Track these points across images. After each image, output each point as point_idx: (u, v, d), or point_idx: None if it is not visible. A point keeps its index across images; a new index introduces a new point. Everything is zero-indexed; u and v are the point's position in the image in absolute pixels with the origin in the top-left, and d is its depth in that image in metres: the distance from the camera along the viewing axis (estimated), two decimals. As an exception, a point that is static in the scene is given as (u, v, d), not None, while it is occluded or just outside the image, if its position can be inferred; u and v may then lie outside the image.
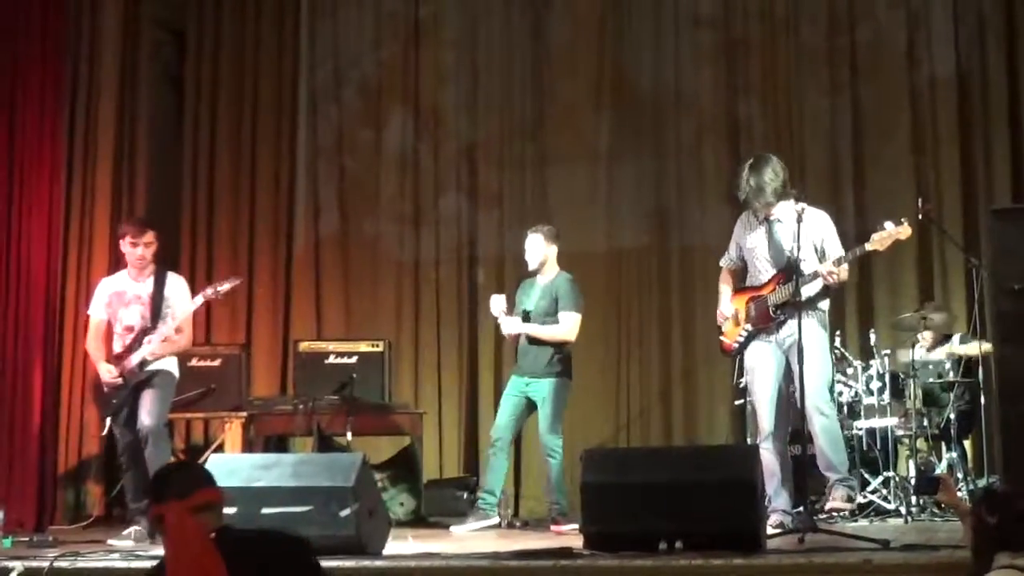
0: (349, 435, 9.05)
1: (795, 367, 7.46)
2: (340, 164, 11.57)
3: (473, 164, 11.41)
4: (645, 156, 11.10)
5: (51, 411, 9.46)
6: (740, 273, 7.98)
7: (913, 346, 9.21)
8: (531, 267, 8.87)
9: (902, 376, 9.13)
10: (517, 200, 11.26)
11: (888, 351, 9.09)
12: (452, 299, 11.13)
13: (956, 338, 9.40)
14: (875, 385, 8.89)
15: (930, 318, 9.32)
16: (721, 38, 11.09)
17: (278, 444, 9.97)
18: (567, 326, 8.76)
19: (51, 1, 9.60)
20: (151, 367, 7.90)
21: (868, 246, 7.44)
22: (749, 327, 7.63)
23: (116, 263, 10.07)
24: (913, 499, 8.51)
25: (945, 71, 10.56)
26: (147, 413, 7.82)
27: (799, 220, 7.26)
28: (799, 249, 7.31)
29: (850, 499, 7.37)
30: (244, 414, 9.57)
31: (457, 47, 11.53)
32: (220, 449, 9.45)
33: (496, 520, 8.62)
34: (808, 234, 7.45)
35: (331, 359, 9.88)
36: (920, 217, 8.98)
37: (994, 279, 7.52)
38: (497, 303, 8.77)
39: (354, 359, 9.84)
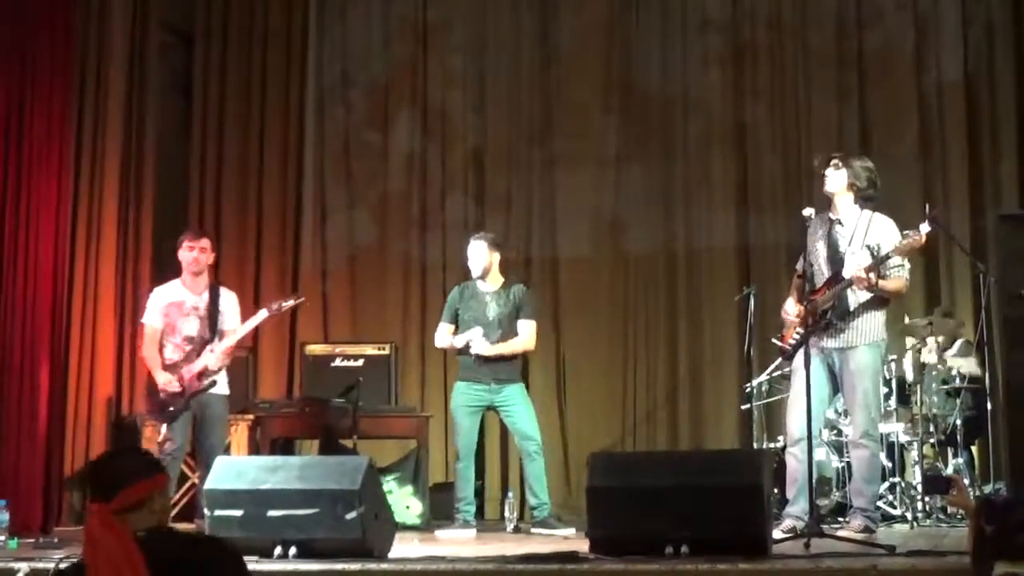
0: (355, 438, 9.06)
1: (840, 383, 7.51)
2: (347, 166, 11.59)
3: (480, 167, 11.43)
4: (652, 159, 11.11)
5: (58, 412, 9.45)
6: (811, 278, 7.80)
7: (919, 352, 9.21)
8: (474, 274, 8.89)
9: (908, 382, 9.13)
10: (524, 203, 11.28)
11: (895, 357, 9.08)
12: (459, 302, 11.13)
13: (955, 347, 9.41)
14: (882, 391, 8.87)
15: (937, 324, 9.31)
16: (729, 42, 11.11)
17: (284, 446, 9.97)
18: (527, 336, 8.83)
19: (60, 3, 9.60)
20: (208, 379, 8.08)
21: (891, 251, 7.35)
22: (801, 330, 7.53)
23: (123, 265, 10.14)
24: (920, 503, 8.52)
25: (953, 76, 10.57)
26: (221, 445, 8.20)
27: (868, 226, 7.29)
28: (852, 255, 7.33)
29: (868, 530, 7.31)
30: (251, 416, 9.59)
31: (465, 50, 11.55)
32: (226, 451, 9.45)
33: (474, 530, 8.65)
34: (867, 239, 7.41)
35: (337, 362, 9.89)
36: (927, 222, 8.97)
37: (1001, 285, 7.51)
38: (478, 338, 8.74)
39: (360, 362, 9.85)
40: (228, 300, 8.35)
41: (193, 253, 8.24)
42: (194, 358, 8.09)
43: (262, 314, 8.32)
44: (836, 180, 7.58)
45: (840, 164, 7.58)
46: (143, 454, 4.14)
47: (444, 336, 8.93)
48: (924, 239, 7.25)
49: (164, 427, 8.03)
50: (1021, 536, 3.97)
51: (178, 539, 3.90)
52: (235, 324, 8.26)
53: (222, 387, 8.21)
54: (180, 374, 8.05)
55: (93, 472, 3.95)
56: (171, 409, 8.03)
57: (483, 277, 8.87)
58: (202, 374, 8.07)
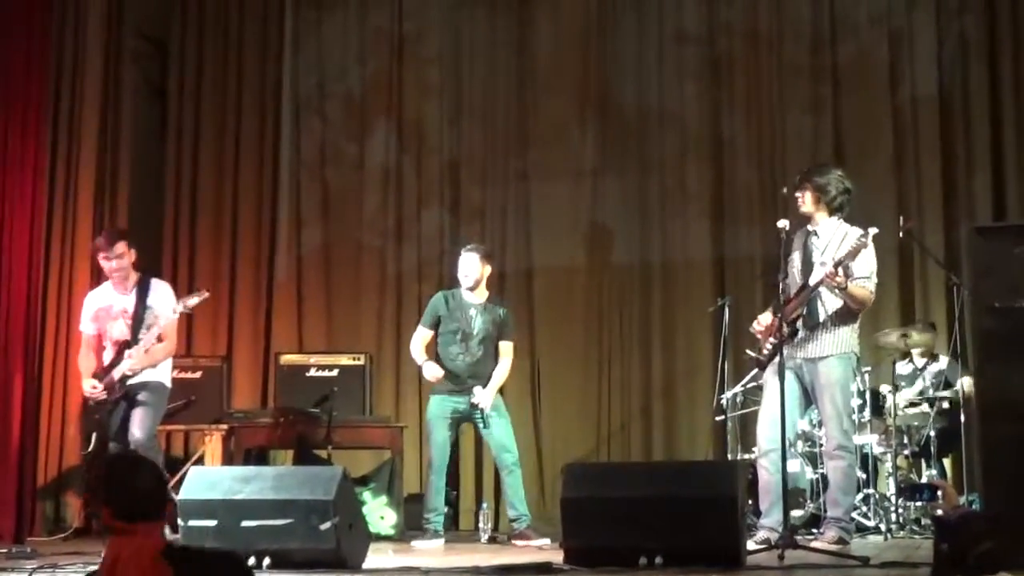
0: (330, 448, 9.04)
1: (812, 394, 7.54)
2: (323, 177, 11.56)
3: (456, 179, 11.42)
4: (628, 172, 11.12)
5: (31, 422, 9.42)
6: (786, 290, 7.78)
7: (894, 363, 9.24)
8: (466, 285, 8.92)
9: (882, 394, 9.15)
10: (500, 214, 11.28)
11: (869, 368, 9.10)
12: (434, 312, 11.12)
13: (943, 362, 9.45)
14: (855, 402, 8.88)
15: (911, 336, 9.34)
16: (705, 54, 11.14)
17: (258, 457, 9.94)
18: (511, 357, 8.99)
19: (35, 12, 9.58)
20: (138, 379, 7.86)
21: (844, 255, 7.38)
22: (772, 340, 7.54)
23: (98, 275, 10.07)
24: (894, 514, 8.54)
25: (927, 89, 10.62)
26: (138, 426, 7.80)
27: (843, 239, 7.33)
28: (822, 265, 7.37)
29: (842, 541, 7.33)
30: (225, 426, 9.55)
31: (441, 62, 11.54)
32: (200, 461, 9.41)
33: (442, 540, 8.65)
34: (839, 252, 7.42)
35: (312, 372, 9.87)
36: (901, 235, 9.01)
37: (975, 297, 7.53)
38: (480, 394, 8.78)
39: (335, 372, 9.84)
40: (158, 294, 8.06)
41: (111, 263, 7.99)
42: (118, 362, 7.87)
43: (170, 316, 7.96)
44: (805, 201, 7.66)
45: (804, 184, 7.66)
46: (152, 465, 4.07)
47: (418, 344, 8.97)
48: (870, 243, 7.30)
49: (93, 436, 7.82)
50: (975, 552, 4.00)
51: (195, 554, 3.91)
52: (168, 315, 7.98)
53: (158, 375, 7.97)
54: (106, 380, 7.85)
55: (143, 491, 3.85)
56: (96, 417, 7.85)
57: (473, 289, 8.89)
58: (123, 380, 7.84)
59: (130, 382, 7.86)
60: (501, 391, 9.04)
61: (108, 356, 7.97)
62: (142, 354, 7.85)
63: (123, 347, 7.90)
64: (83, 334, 8.16)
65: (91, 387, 7.87)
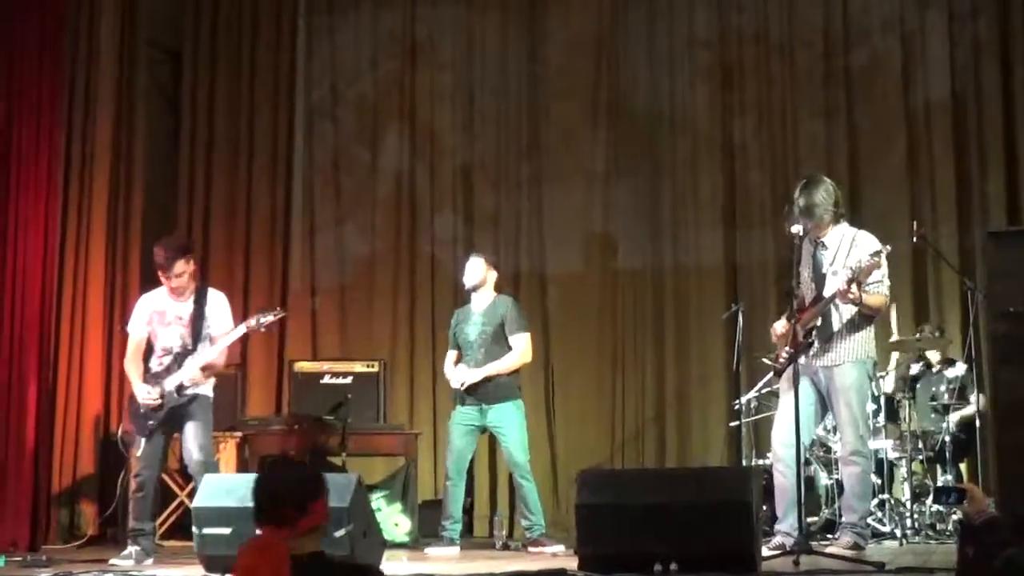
0: (344, 455, 9.05)
1: (828, 402, 7.53)
2: (336, 182, 11.57)
3: (469, 184, 11.43)
4: (641, 176, 11.12)
5: (46, 430, 9.42)
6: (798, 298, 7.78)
7: (908, 368, 9.22)
8: (467, 286, 8.97)
9: (897, 399, 9.13)
10: (513, 220, 11.27)
11: (883, 374, 9.09)
12: (447, 319, 11.09)
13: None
14: (870, 407, 8.86)
15: (925, 340, 9.32)
16: (717, 59, 11.12)
17: (273, 464, 9.93)
18: (521, 349, 8.87)
19: (48, 20, 9.60)
20: (189, 391, 7.81)
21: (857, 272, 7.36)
22: (789, 349, 7.53)
23: (112, 282, 10.11)
24: (909, 520, 8.53)
25: (940, 93, 10.59)
26: (198, 447, 7.75)
27: (851, 245, 7.30)
28: (833, 275, 7.34)
29: (857, 547, 7.31)
30: (239, 434, 9.57)
31: (453, 67, 11.55)
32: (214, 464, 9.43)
33: (458, 548, 8.64)
34: (849, 259, 7.40)
35: (326, 379, 9.88)
36: (915, 239, 8.99)
37: (989, 301, 7.53)
38: (461, 370, 8.79)
39: (349, 379, 9.85)
40: (215, 305, 7.99)
41: (171, 282, 7.86)
42: (175, 369, 7.77)
43: (240, 330, 7.93)
44: (809, 225, 7.56)
45: (798, 216, 7.52)
46: (306, 465, 3.93)
47: (448, 365, 9.01)
48: (883, 262, 7.29)
49: (142, 441, 7.75)
50: (1001, 557, 3.98)
51: (335, 569, 3.77)
52: (225, 328, 7.93)
53: (204, 388, 7.89)
54: (160, 387, 7.74)
55: (277, 491, 3.77)
56: (150, 423, 7.73)
57: (475, 290, 8.90)
58: (180, 389, 7.76)
59: (182, 396, 7.79)
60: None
61: (157, 362, 7.88)
62: (202, 368, 7.79)
63: (181, 356, 7.82)
64: (132, 336, 8.00)
65: (147, 393, 7.74)
